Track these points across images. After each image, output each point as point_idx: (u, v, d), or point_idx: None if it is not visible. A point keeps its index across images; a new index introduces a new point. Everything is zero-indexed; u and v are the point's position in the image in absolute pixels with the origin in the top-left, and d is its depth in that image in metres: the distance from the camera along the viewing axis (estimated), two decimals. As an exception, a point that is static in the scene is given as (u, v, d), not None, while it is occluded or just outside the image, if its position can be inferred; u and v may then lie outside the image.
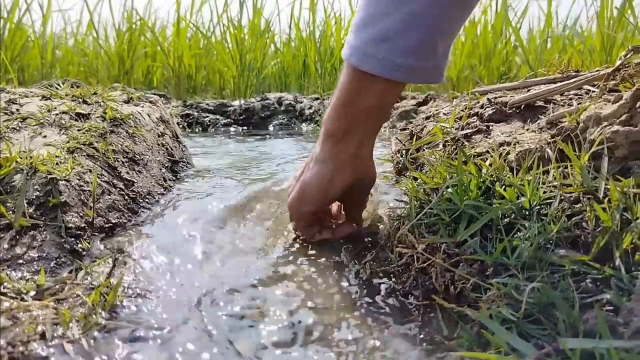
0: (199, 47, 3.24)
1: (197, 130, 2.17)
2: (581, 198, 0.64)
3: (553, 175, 0.67)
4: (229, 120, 2.28)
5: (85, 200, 0.80)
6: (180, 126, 2.12)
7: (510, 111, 0.95)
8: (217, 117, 2.29)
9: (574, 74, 1.07)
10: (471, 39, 3.04)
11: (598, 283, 0.56)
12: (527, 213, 0.65)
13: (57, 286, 0.63)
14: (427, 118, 1.17)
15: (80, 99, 1.08)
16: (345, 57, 0.68)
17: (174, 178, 1.12)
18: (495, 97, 1.01)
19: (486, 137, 0.90)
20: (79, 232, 0.74)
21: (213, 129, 2.20)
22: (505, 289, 0.56)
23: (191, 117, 2.22)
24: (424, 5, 0.62)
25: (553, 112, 0.88)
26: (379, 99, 0.71)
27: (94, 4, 4.16)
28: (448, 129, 0.98)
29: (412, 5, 0.62)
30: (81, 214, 0.77)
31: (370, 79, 0.67)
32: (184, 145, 1.30)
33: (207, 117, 2.26)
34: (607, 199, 0.61)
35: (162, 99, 1.82)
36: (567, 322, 0.51)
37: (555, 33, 2.94)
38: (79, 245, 0.73)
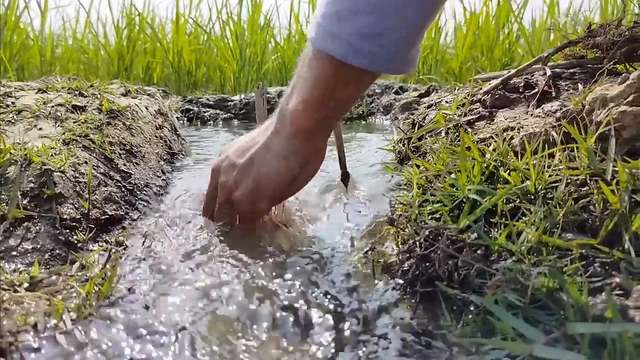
0: (199, 43, 3.22)
1: (197, 124, 2.15)
2: (588, 181, 0.62)
3: (559, 158, 0.65)
4: (229, 114, 2.27)
5: (81, 192, 0.78)
6: (180, 121, 2.11)
7: (514, 96, 0.93)
8: (218, 111, 2.27)
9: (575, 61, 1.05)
10: (472, 31, 3.01)
11: (607, 267, 0.54)
12: (532, 197, 0.63)
13: (51, 278, 0.61)
14: (429, 107, 1.15)
15: (76, 92, 1.06)
16: (323, 48, 0.62)
17: (172, 171, 1.11)
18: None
19: (489, 123, 0.88)
20: (74, 224, 0.73)
21: (213, 123, 2.19)
22: (511, 274, 0.54)
23: (191, 112, 2.20)
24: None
25: (558, 97, 0.86)
26: (360, 90, 0.68)
27: (90, 1, 4.15)
28: (450, 116, 0.97)
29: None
30: (76, 206, 0.76)
31: (353, 71, 0.62)
32: (183, 138, 1.29)
33: (207, 111, 2.24)
34: (615, 181, 0.59)
35: (162, 93, 1.80)
36: (576, 307, 0.50)
37: (558, 22, 2.91)
38: (74, 237, 0.72)
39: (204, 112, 2.25)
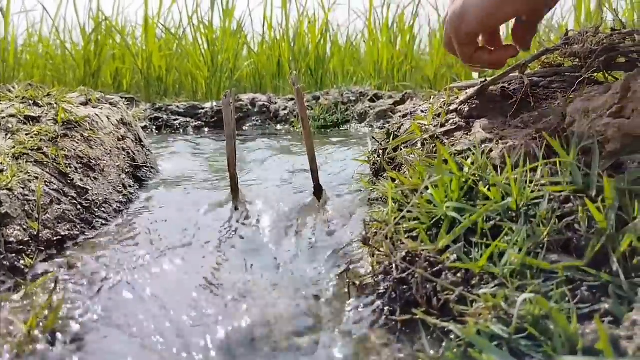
0: (170, 49, 3.14)
1: (165, 133, 2.08)
2: (572, 197, 0.58)
3: (541, 173, 0.62)
4: (200, 122, 2.20)
5: (30, 212, 0.72)
6: (149, 130, 2.04)
7: (491, 106, 0.90)
8: (188, 119, 2.20)
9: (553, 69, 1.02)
10: (447, 37, 3.00)
11: (595, 291, 0.51)
12: (514, 215, 0.60)
13: (-10, 311, 0.55)
14: (405, 116, 1.12)
15: (30, 101, 1.00)
16: None
17: (136, 185, 1.05)
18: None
19: (467, 133, 0.85)
20: (21, 247, 0.67)
21: (183, 132, 2.12)
22: (494, 301, 0.50)
23: (160, 120, 2.13)
24: None
25: (537, 106, 0.83)
26: None
27: (57, 5, 4.02)
28: (426, 127, 0.93)
29: None
30: (25, 227, 0.69)
31: None
32: (149, 149, 1.23)
33: (177, 120, 2.17)
34: (600, 197, 0.56)
35: (128, 102, 1.73)
36: (564, 337, 0.46)
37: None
38: (21, 261, 0.65)
39: (174, 120, 2.18)
